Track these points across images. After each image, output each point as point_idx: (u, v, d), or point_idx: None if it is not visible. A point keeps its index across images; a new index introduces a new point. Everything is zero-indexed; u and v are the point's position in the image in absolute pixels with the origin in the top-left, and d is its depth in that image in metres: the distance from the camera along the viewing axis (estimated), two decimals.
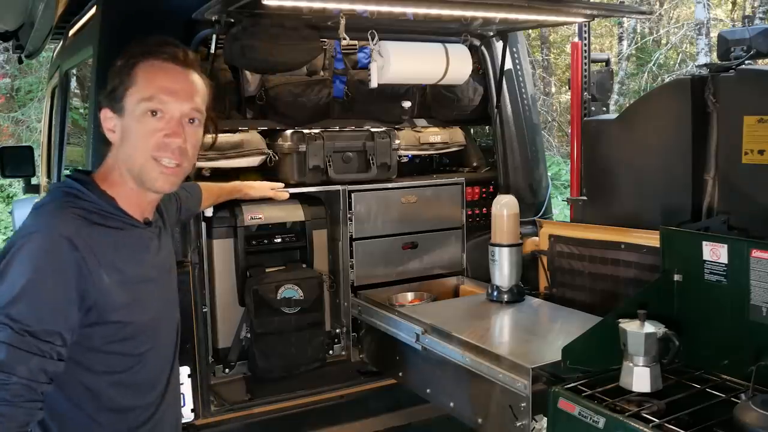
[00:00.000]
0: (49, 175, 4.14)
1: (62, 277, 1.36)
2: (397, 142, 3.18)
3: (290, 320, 2.86)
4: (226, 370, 2.89)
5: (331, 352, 3.08)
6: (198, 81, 1.54)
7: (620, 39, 14.15)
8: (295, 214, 2.99)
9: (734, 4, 14.81)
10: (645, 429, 1.64)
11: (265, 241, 2.97)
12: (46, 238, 1.37)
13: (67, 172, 3.50)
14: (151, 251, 1.59)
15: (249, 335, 2.87)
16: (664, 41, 14.58)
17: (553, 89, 15.00)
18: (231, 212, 2.86)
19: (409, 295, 3.14)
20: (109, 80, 1.49)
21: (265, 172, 3.11)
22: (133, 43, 1.52)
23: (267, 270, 2.92)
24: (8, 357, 1.29)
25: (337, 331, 3.12)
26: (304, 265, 3.02)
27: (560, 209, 6.95)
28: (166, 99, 1.47)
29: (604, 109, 3.05)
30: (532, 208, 3.40)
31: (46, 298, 1.34)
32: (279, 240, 3.00)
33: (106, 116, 1.49)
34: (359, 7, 2.65)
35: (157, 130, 1.47)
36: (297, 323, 2.88)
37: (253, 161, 2.98)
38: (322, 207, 3.09)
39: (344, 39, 2.62)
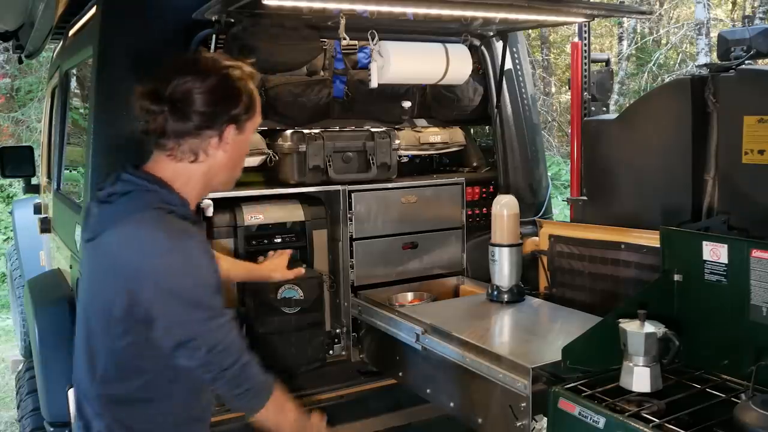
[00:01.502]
0: (49, 175, 4.13)
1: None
2: (397, 142, 3.18)
3: (290, 320, 2.84)
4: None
5: (331, 352, 3.08)
6: None
7: (620, 39, 14.16)
8: (295, 214, 2.99)
9: (734, 4, 14.82)
10: (645, 429, 1.64)
11: (265, 241, 2.95)
12: (195, 242, 1.54)
13: (71, 171, 3.50)
14: None
15: (249, 335, 2.87)
16: (664, 41, 14.58)
17: (553, 89, 15.01)
18: (231, 212, 2.85)
19: (409, 295, 3.14)
20: (236, 100, 1.59)
21: (266, 171, 3.11)
22: (231, 61, 1.63)
23: None
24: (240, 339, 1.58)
25: (337, 331, 3.11)
26: (304, 265, 3.01)
27: (560, 209, 6.96)
28: None
29: (604, 109, 3.06)
30: (532, 208, 3.40)
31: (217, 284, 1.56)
32: (279, 240, 2.99)
33: (230, 132, 1.60)
34: (359, 7, 2.65)
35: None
36: (297, 323, 2.86)
37: (253, 161, 2.98)
38: (322, 207, 3.08)
39: (344, 39, 2.63)
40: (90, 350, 1.58)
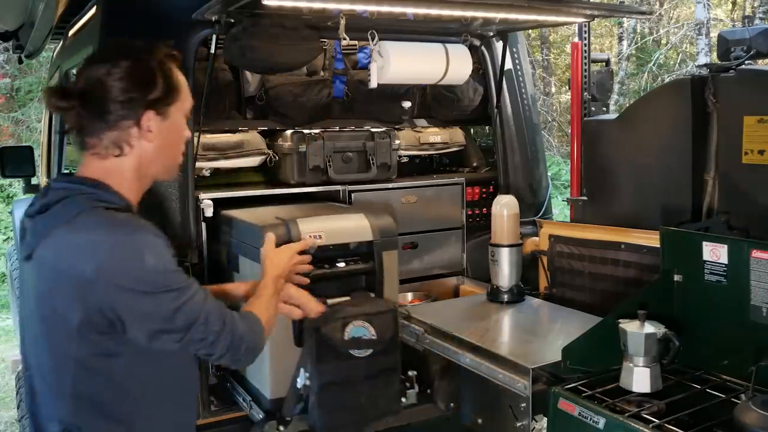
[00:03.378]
0: (49, 175, 4.14)
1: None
2: (397, 142, 3.18)
3: (360, 366, 2.19)
4: (281, 427, 2.29)
5: (404, 400, 2.47)
6: None
7: (620, 39, 14.15)
8: (361, 230, 2.41)
9: (734, 4, 14.82)
10: (645, 429, 1.64)
11: (326, 266, 2.32)
12: (141, 229, 1.46)
13: (71, 171, 3.50)
14: None
15: (309, 383, 2.19)
16: (664, 41, 14.58)
17: (553, 89, 15.00)
18: (286, 228, 2.30)
19: (409, 295, 3.13)
20: (150, 84, 1.50)
21: (265, 172, 3.11)
22: (143, 42, 1.54)
23: (328, 302, 2.23)
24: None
25: (409, 373, 2.51)
26: (372, 295, 2.41)
27: (560, 209, 6.96)
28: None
29: (604, 109, 3.06)
30: (532, 208, 3.41)
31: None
32: (342, 264, 2.36)
33: (150, 118, 1.51)
34: (359, 8, 2.65)
35: (187, 132, 1.66)
36: (368, 369, 2.21)
37: (253, 161, 2.99)
38: (391, 220, 2.52)
39: (344, 39, 2.62)
40: (52, 369, 1.49)
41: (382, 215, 2.52)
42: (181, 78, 1.58)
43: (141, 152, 1.52)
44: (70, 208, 1.43)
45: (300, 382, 2.22)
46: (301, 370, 2.23)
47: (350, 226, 2.43)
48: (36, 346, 1.53)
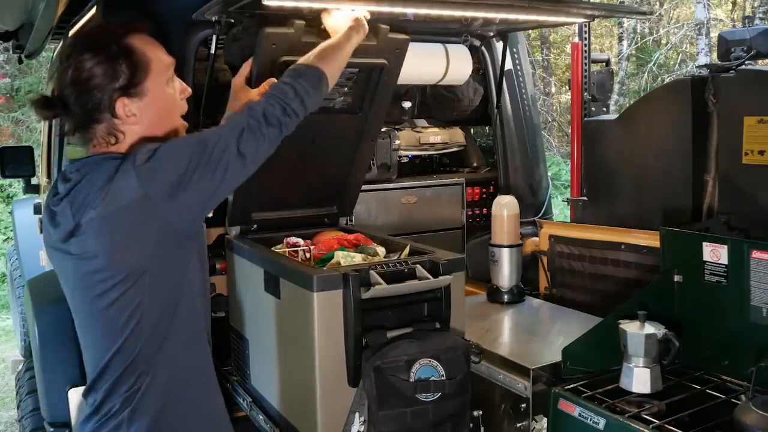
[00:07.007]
0: (49, 175, 4.14)
1: None
2: (397, 142, 3.17)
3: (427, 412, 1.88)
4: None
5: None
6: None
7: (620, 39, 14.16)
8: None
9: (734, 4, 14.82)
10: (645, 430, 1.64)
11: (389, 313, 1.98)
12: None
13: None
14: None
15: (365, 430, 1.91)
16: (664, 41, 14.59)
17: (553, 89, 15.01)
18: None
19: None
20: (111, 75, 1.48)
21: None
22: (100, 26, 1.60)
23: (388, 335, 1.96)
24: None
25: (475, 414, 2.09)
26: (437, 325, 2.06)
27: (560, 209, 6.96)
28: (172, 69, 1.62)
29: (604, 109, 3.06)
30: (532, 209, 3.41)
31: None
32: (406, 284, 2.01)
33: (125, 104, 1.51)
34: (359, 8, 2.64)
35: (176, 94, 1.64)
36: (436, 415, 1.89)
37: None
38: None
39: None
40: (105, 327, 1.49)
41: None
42: (147, 49, 1.54)
43: (134, 135, 1.54)
44: (103, 172, 1.46)
45: (354, 429, 1.93)
46: (356, 415, 1.93)
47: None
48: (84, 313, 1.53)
